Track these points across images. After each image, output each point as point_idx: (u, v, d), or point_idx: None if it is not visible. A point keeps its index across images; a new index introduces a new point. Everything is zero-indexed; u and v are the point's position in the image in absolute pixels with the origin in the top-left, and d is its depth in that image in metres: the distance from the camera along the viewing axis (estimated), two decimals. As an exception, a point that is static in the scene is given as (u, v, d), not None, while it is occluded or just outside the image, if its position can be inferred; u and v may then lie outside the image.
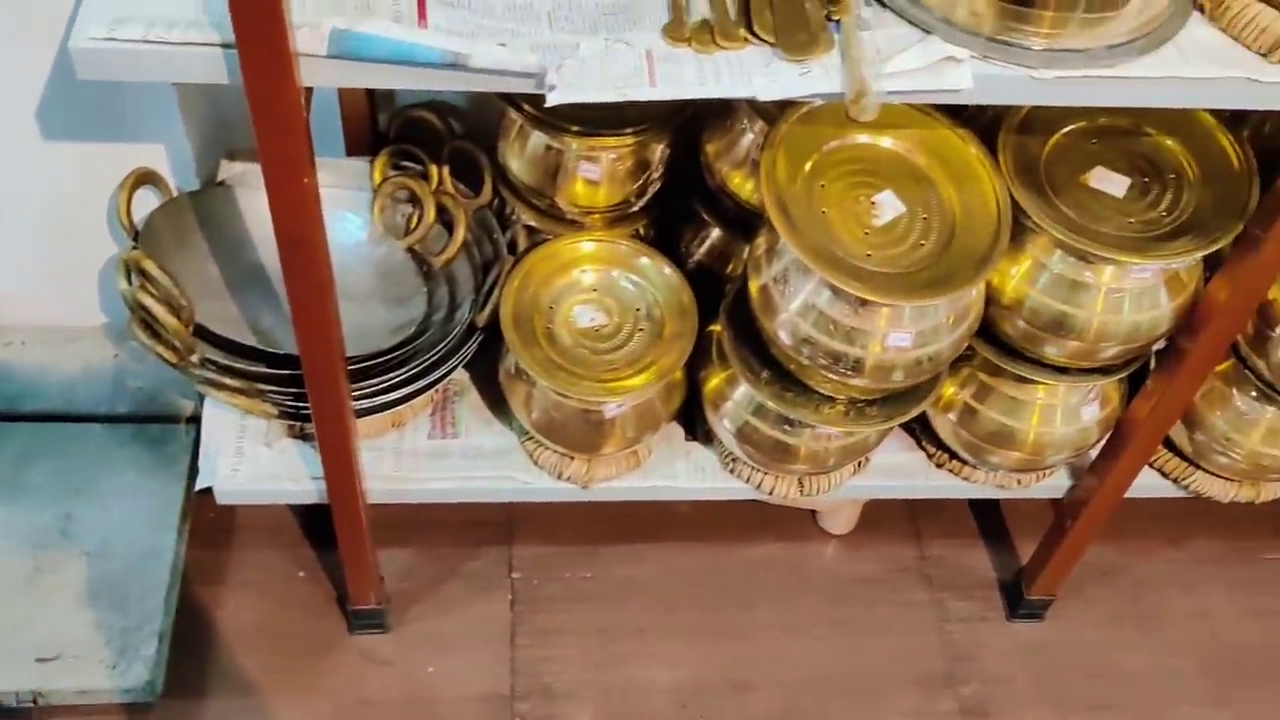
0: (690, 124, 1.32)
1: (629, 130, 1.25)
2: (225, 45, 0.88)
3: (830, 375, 1.17)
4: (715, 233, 1.39)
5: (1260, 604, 1.68)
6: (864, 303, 1.11)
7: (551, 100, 0.92)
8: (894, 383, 1.20)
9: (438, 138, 1.44)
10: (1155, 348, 1.25)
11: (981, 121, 1.20)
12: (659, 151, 1.30)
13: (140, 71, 0.90)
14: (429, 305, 1.36)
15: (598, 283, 1.31)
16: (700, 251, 1.41)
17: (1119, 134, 1.20)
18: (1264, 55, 0.98)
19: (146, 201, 1.34)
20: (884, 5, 1.00)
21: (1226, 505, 1.48)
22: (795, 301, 1.15)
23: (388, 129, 1.48)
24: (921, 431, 1.45)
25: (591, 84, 0.92)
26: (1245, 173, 1.15)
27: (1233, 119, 1.24)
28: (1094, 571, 1.66)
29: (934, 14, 0.98)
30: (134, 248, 1.26)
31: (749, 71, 0.94)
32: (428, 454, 1.39)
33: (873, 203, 1.13)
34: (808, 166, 1.13)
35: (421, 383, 1.30)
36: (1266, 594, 1.69)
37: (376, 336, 1.32)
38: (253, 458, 1.38)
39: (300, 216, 0.97)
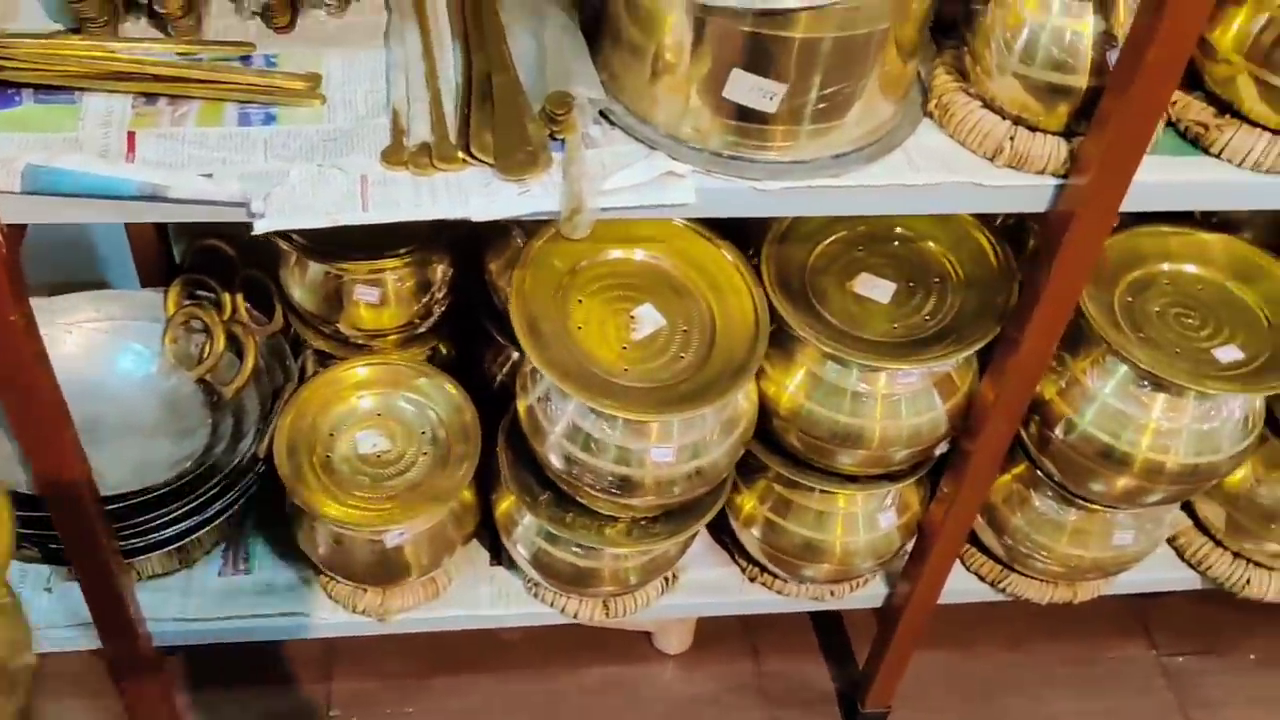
0: (472, 243, 1.31)
1: (403, 251, 1.23)
2: (-91, 184, 0.86)
3: (599, 494, 1.15)
4: (515, 352, 1.37)
5: (1108, 705, 1.65)
6: (628, 420, 1.09)
7: (259, 228, 0.90)
8: (674, 497, 1.18)
9: (232, 266, 1.42)
10: (939, 450, 1.24)
11: (757, 232, 1.20)
12: (440, 272, 1.29)
13: None
14: (212, 437, 1.32)
15: (380, 407, 1.29)
16: (503, 371, 1.39)
17: (885, 240, 1.21)
18: (990, 159, 1.00)
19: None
20: (613, 123, 1.00)
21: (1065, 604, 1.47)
22: (560, 423, 1.13)
23: (184, 259, 1.46)
24: (734, 545, 1.42)
25: (302, 210, 0.91)
26: (1006, 274, 1.16)
27: (1016, 226, 1.25)
28: (936, 678, 1.63)
29: (659, 131, 0.98)
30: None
31: (466, 192, 0.93)
32: (218, 592, 1.34)
33: (632, 317, 1.12)
34: (564, 282, 1.12)
35: (198, 518, 1.25)
36: (1113, 694, 1.66)
37: (158, 470, 1.27)
38: (33, 604, 1.31)
39: (9, 355, 0.94)
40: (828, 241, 1.20)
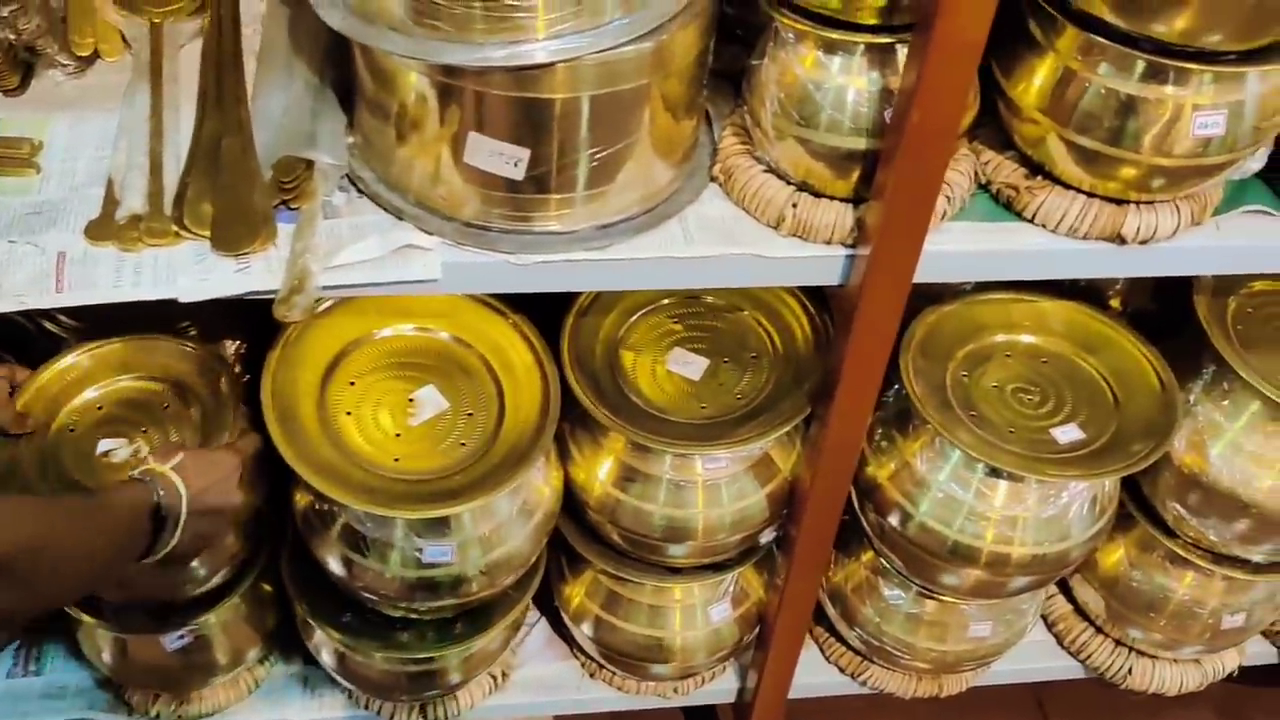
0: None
1: (183, 326, 1.14)
2: None
3: (384, 599, 1.04)
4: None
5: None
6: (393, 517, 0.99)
7: (-61, 313, 0.81)
8: (473, 594, 1.07)
9: (33, 343, 1.32)
10: (765, 537, 1.14)
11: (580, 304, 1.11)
12: (231, 347, 1.19)
13: None
14: None
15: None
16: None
17: (700, 311, 1.11)
18: (774, 227, 0.90)
19: None
20: (361, 191, 0.91)
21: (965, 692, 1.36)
22: (332, 522, 1.03)
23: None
24: (572, 638, 1.31)
25: (-14, 294, 0.82)
26: (822, 348, 1.06)
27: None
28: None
29: (408, 199, 0.89)
30: None
31: (175, 270, 0.84)
32: (3, 695, 1.23)
33: (411, 400, 1.03)
34: (334, 363, 1.02)
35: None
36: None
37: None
38: None
39: None
40: (642, 312, 1.10)
